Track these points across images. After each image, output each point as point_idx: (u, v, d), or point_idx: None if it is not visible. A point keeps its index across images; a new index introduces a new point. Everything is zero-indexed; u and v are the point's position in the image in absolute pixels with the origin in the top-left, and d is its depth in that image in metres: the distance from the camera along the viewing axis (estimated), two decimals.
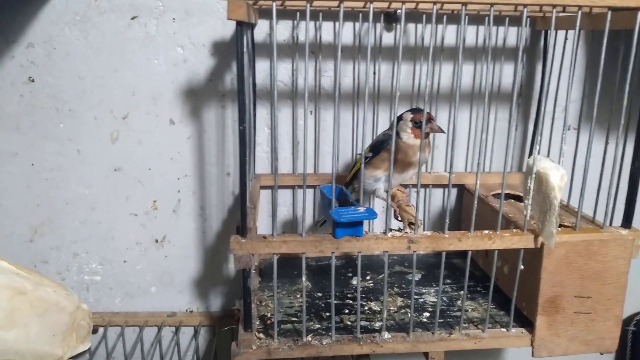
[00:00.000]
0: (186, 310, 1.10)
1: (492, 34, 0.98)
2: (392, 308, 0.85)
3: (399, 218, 0.83)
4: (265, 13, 0.93)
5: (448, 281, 0.94)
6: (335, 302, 0.85)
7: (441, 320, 0.81)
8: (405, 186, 0.93)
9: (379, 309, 0.84)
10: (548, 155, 0.94)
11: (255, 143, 0.99)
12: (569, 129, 1.03)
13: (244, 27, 0.63)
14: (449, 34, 0.97)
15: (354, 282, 0.93)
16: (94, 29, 0.93)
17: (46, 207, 1.02)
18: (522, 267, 0.75)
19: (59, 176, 1.00)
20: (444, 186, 1.04)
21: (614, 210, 0.78)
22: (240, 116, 0.66)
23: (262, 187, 1.00)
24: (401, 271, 0.98)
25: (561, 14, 0.89)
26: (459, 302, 0.86)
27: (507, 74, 1.00)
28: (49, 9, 0.92)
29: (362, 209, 0.70)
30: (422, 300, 0.88)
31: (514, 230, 0.75)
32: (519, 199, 0.93)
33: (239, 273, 0.77)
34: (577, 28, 0.68)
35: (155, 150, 1.00)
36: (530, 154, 0.99)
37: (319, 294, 0.90)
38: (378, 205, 1.04)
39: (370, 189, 0.86)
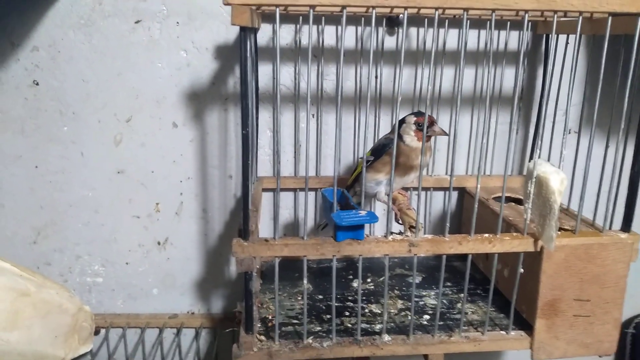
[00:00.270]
0: (188, 312, 1.11)
1: (494, 38, 0.98)
2: (392, 310, 0.86)
3: (400, 221, 0.83)
4: (268, 17, 0.93)
5: (448, 284, 0.94)
6: (336, 304, 0.86)
7: (441, 322, 0.81)
8: (406, 189, 0.93)
9: (380, 312, 0.85)
10: (549, 159, 0.95)
11: (258, 146, 1.00)
12: (569, 133, 1.04)
13: (247, 32, 0.64)
14: (451, 38, 0.97)
15: (355, 284, 0.94)
16: (98, 32, 0.94)
17: (49, 210, 1.02)
18: (522, 270, 0.75)
19: (62, 179, 1.01)
20: (444, 189, 1.05)
21: (613, 214, 0.78)
22: (243, 120, 0.66)
23: (265, 190, 1.00)
24: (402, 274, 0.99)
25: (562, 19, 0.89)
26: (459, 305, 0.87)
27: (509, 78, 1.00)
28: (53, 12, 0.93)
29: (363, 213, 0.71)
30: (422, 302, 0.88)
31: (514, 234, 0.75)
32: (519, 202, 0.93)
33: (241, 275, 0.78)
34: (578, 33, 0.69)
35: (158, 153, 1.01)
36: (531, 157, 1.00)
37: (320, 297, 0.90)
38: (379, 209, 1.04)
39: (371, 192, 0.87)
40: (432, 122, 0.81)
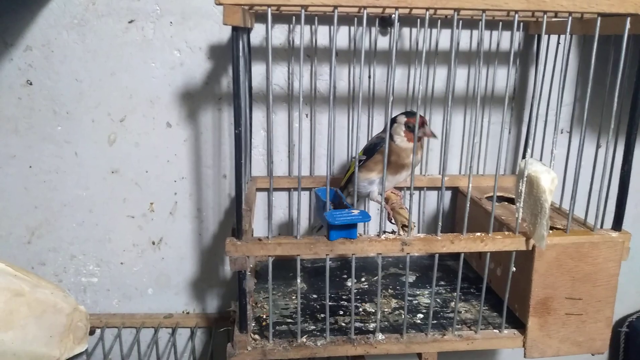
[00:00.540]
0: (183, 312, 1.11)
1: (486, 38, 0.99)
2: (386, 309, 0.86)
3: (393, 221, 0.84)
4: (262, 17, 0.94)
5: (442, 283, 0.95)
6: (330, 303, 0.86)
7: (435, 321, 0.81)
8: (400, 189, 0.94)
9: (374, 311, 0.85)
10: (541, 159, 0.95)
11: (252, 146, 1.00)
12: (561, 132, 1.05)
13: (239, 31, 0.64)
14: (443, 38, 0.98)
15: (349, 283, 0.94)
16: (91, 32, 0.94)
17: (44, 209, 1.02)
18: (514, 269, 0.76)
19: (56, 178, 1.01)
20: (438, 189, 1.05)
21: (604, 213, 0.79)
22: (235, 120, 0.66)
23: (259, 190, 1.01)
24: (396, 273, 0.99)
25: (553, 19, 0.90)
26: (452, 304, 0.87)
27: (501, 78, 1.01)
28: (47, 12, 0.93)
29: (356, 212, 0.71)
30: (416, 301, 0.89)
31: (506, 233, 0.76)
32: (512, 201, 0.94)
33: (235, 275, 0.78)
34: (568, 33, 0.69)
35: (152, 152, 1.01)
36: (524, 157, 1.00)
37: (314, 296, 0.90)
38: (373, 208, 1.05)
39: (364, 191, 0.87)
40: (422, 123, 0.81)
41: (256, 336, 0.77)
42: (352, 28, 0.97)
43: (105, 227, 1.04)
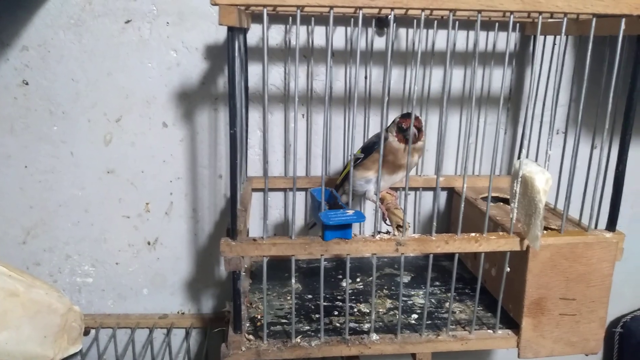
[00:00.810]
0: (178, 312, 1.11)
1: (482, 39, 0.99)
2: (381, 310, 0.86)
3: (388, 221, 0.84)
4: (258, 17, 0.94)
5: (437, 283, 0.95)
6: (325, 304, 0.86)
7: (429, 322, 0.82)
8: (396, 189, 0.94)
9: (368, 311, 0.85)
10: (536, 159, 0.96)
11: (248, 146, 1.00)
12: (557, 133, 1.05)
13: (235, 32, 0.64)
14: (440, 39, 0.98)
15: (344, 284, 0.94)
16: (88, 32, 0.94)
17: (39, 209, 1.02)
18: (508, 269, 0.76)
19: (52, 178, 1.01)
20: (433, 189, 1.05)
21: (599, 214, 0.79)
22: (231, 120, 0.66)
23: (255, 190, 1.01)
24: (391, 273, 0.99)
25: (549, 20, 0.90)
26: (447, 304, 0.87)
27: (497, 79, 1.01)
28: (43, 12, 0.93)
29: (350, 212, 0.71)
30: (410, 302, 0.89)
31: (501, 233, 0.76)
32: (508, 201, 0.94)
33: (230, 275, 0.78)
34: (563, 34, 0.70)
35: (148, 152, 1.01)
36: (519, 157, 1.01)
37: (309, 296, 0.90)
38: (369, 208, 1.05)
39: (361, 190, 0.87)
40: (415, 126, 0.80)
41: (250, 336, 0.77)
42: (349, 29, 0.97)
43: (101, 227, 1.04)
